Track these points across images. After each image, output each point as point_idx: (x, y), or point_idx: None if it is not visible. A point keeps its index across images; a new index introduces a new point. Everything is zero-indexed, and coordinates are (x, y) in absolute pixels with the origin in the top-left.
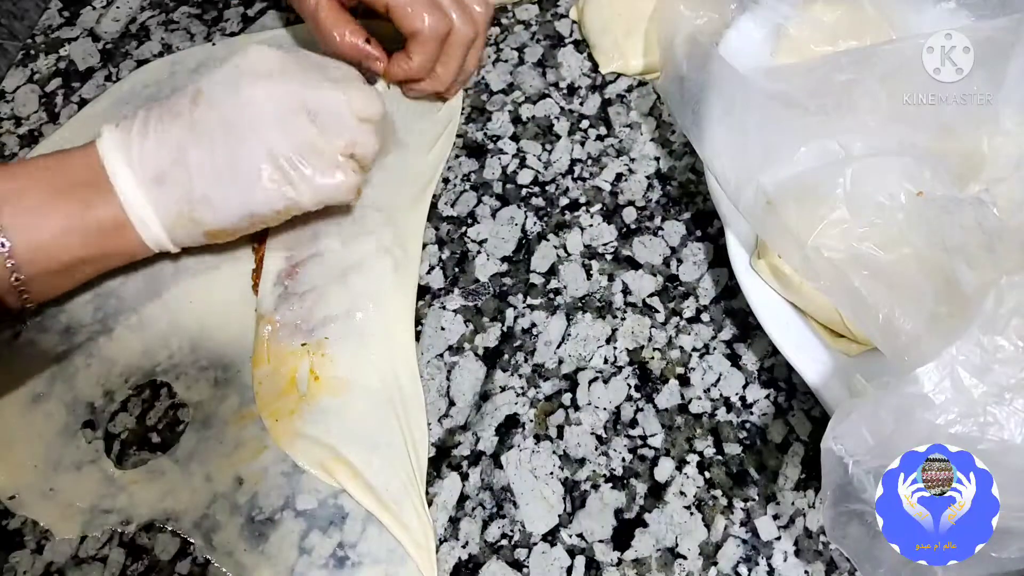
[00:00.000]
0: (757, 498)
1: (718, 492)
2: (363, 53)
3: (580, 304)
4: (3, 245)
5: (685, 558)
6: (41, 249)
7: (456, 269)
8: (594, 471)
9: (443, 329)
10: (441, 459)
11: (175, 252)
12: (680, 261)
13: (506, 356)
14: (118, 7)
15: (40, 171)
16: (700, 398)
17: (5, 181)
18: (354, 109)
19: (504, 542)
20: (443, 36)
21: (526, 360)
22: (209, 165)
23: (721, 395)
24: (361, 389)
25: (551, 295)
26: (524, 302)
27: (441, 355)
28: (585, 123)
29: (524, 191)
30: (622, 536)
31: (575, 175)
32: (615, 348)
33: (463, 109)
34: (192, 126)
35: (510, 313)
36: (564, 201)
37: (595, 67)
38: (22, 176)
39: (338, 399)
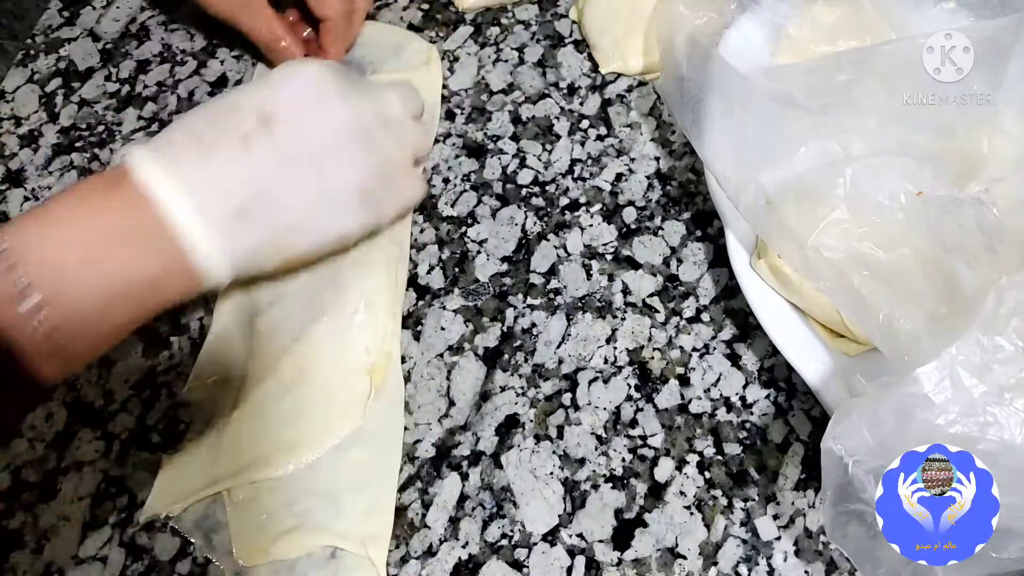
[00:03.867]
0: (757, 498)
1: (718, 492)
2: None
3: (580, 304)
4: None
5: (685, 558)
6: (82, 329)
7: (456, 269)
8: (594, 471)
9: (443, 329)
10: (441, 459)
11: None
12: (680, 261)
13: (506, 356)
14: (118, 7)
15: (64, 227)
16: (700, 398)
17: (38, 247)
18: (409, 112)
19: (504, 542)
20: (350, 16)
21: (526, 360)
22: (299, 193)
23: (721, 395)
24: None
25: (551, 295)
26: (524, 302)
27: (441, 355)
28: (585, 123)
29: (524, 191)
30: (622, 536)
31: (575, 175)
32: (615, 348)
33: (463, 109)
34: (274, 151)
35: (510, 313)
36: (564, 201)
37: (595, 67)
38: (49, 241)
39: (320, 394)
